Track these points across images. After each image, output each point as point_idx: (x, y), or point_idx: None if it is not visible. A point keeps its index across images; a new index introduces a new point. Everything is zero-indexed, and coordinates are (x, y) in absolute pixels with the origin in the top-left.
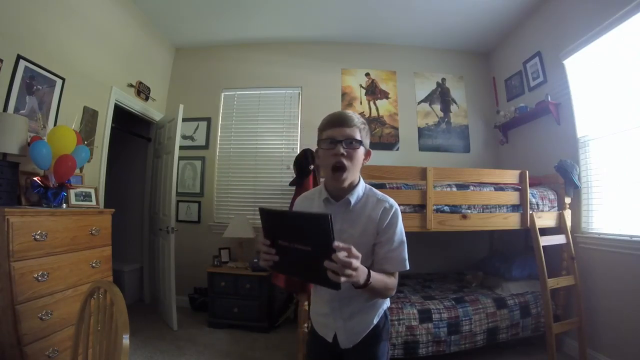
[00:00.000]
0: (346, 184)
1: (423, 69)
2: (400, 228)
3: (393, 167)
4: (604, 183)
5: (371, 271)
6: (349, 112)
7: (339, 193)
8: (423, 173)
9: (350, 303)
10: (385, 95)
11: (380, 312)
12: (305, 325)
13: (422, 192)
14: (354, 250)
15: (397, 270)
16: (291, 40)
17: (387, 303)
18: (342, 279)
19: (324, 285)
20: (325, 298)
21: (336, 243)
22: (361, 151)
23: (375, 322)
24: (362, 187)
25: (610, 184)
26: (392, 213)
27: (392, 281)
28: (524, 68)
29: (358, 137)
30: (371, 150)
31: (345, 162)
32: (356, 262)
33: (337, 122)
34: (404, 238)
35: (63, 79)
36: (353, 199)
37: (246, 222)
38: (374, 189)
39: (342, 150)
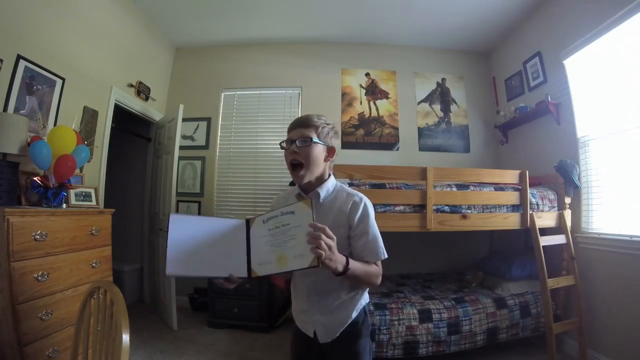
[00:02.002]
0: (305, 180)
1: (423, 69)
2: (373, 220)
3: (393, 167)
4: (604, 183)
5: (350, 259)
6: (313, 115)
7: (310, 189)
8: (423, 173)
9: (328, 297)
10: (385, 95)
11: (359, 307)
12: None
13: (422, 192)
14: (328, 231)
15: (376, 259)
16: (291, 40)
17: (366, 299)
18: (323, 254)
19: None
20: (304, 293)
21: (313, 223)
22: (318, 149)
23: (353, 316)
24: (332, 183)
25: (610, 184)
26: (362, 206)
27: (375, 269)
28: (524, 68)
29: (313, 136)
30: (335, 147)
31: (300, 158)
32: (328, 241)
33: (295, 124)
34: (377, 229)
35: (63, 79)
36: (322, 192)
37: None
38: (344, 186)
39: (294, 148)
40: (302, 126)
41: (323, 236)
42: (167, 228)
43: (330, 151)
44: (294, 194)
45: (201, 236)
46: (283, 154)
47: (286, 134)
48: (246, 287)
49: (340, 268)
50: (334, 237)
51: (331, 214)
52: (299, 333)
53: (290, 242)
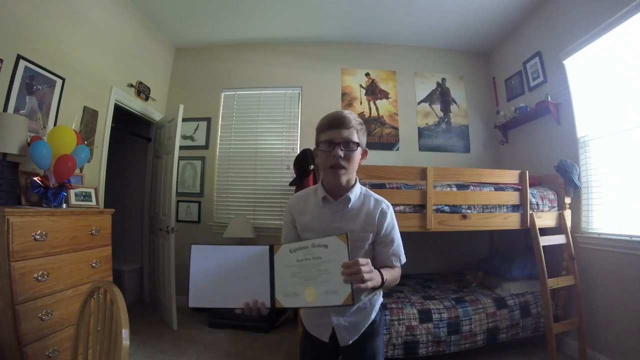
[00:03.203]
0: (344, 181)
1: (423, 69)
2: (397, 227)
3: (393, 167)
4: (604, 183)
5: (382, 271)
6: (346, 112)
7: (338, 191)
8: (423, 173)
9: None
10: (385, 95)
11: (377, 306)
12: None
13: (422, 192)
14: (361, 260)
15: (401, 263)
16: (291, 40)
17: (381, 298)
18: (368, 284)
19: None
20: None
21: (346, 261)
22: (358, 152)
23: (373, 316)
24: (359, 187)
25: (610, 184)
26: (389, 214)
27: (398, 272)
28: (524, 68)
29: (355, 138)
30: (367, 149)
31: (343, 163)
32: (367, 268)
33: (335, 124)
34: (399, 235)
35: (63, 79)
36: (353, 197)
37: (246, 222)
38: (369, 190)
39: (340, 153)
40: (343, 127)
41: (361, 267)
42: (189, 259)
43: (364, 153)
44: (321, 195)
45: (223, 265)
46: (282, 154)
47: (317, 132)
48: None
49: (379, 282)
50: (369, 261)
51: (360, 219)
52: (309, 337)
53: (323, 277)
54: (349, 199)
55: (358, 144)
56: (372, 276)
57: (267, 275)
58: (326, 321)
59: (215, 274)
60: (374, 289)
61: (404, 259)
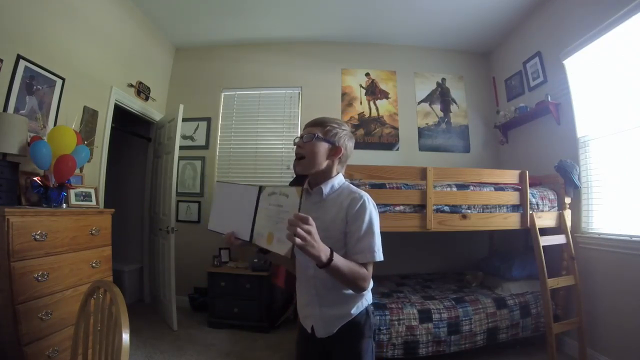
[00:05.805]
0: (303, 171)
1: (423, 69)
2: (370, 218)
3: (393, 167)
4: (604, 183)
5: (335, 253)
6: (329, 117)
7: (316, 184)
8: (423, 173)
9: (328, 292)
10: (385, 95)
11: (360, 306)
12: None
13: (422, 192)
14: (305, 219)
15: (367, 260)
16: (291, 40)
17: (368, 300)
18: (298, 240)
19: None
20: (305, 286)
21: (296, 214)
22: (320, 146)
23: (352, 313)
24: (338, 181)
25: (610, 184)
26: (360, 202)
27: (363, 272)
28: (524, 68)
29: (318, 133)
30: (342, 148)
31: (301, 152)
32: (306, 227)
33: (307, 123)
34: (375, 229)
35: (63, 79)
36: (326, 188)
37: None
38: (352, 185)
39: (299, 143)
40: (311, 125)
41: (300, 223)
42: (215, 193)
43: (336, 150)
44: (304, 187)
45: (233, 200)
46: (282, 154)
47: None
48: (246, 287)
49: (323, 258)
50: (313, 224)
51: (333, 210)
52: (302, 329)
53: (279, 225)
54: (321, 190)
55: (316, 137)
56: (311, 241)
57: (252, 212)
58: (309, 311)
59: (227, 207)
60: (320, 266)
61: (373, 257)
